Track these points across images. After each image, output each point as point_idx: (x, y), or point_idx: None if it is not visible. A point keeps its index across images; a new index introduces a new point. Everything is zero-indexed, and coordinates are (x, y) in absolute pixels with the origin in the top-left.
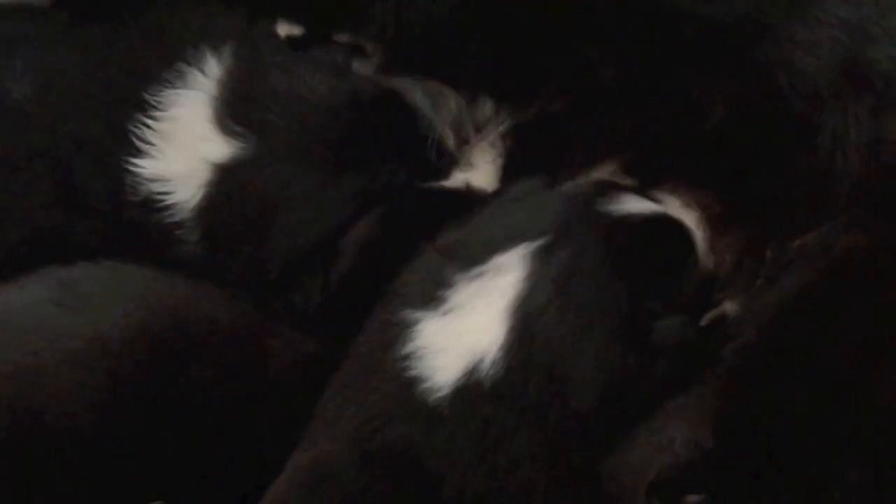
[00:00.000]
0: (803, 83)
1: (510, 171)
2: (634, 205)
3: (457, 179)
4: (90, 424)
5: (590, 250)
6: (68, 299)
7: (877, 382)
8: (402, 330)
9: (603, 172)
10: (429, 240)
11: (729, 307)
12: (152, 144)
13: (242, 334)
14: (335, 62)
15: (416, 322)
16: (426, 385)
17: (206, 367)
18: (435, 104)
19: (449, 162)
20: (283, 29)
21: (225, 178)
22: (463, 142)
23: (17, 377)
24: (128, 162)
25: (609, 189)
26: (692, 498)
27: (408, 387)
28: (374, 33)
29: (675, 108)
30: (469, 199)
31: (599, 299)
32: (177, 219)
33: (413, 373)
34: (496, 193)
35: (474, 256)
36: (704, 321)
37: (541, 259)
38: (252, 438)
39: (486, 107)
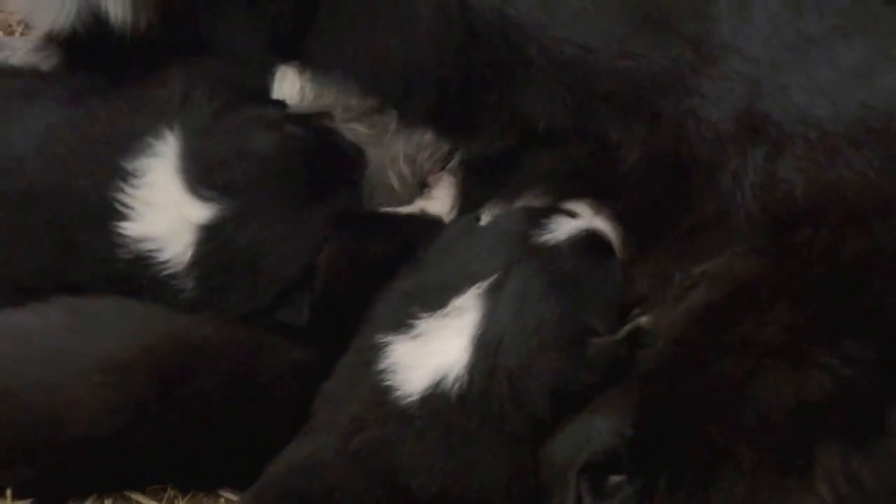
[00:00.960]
0: (708, 131)
1: (463, 200)
2: (562, 229)
3: (415, 205)
4: (103, 430)
5: (533, 282)
6: (79, 324)
7: (761, 381)
8: (377, 350)
9: (534, 200)
10: (391, 262)
11: (644, 321)
12: (135, 209)
13: (234, 351)
14: (271, 116)
15: (388, 344)
16: (398, 393)
17: (203, 380)
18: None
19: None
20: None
21: (210, 236)
22: (426, 174)
23: (40, 390)
24: (116, 224)
25: (537, 217)
26: (615, 478)
27: (383, 395)
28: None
29: (596, 151)
30: (423, 221)
31: (547, 323)
32: (171, 272)
33: (387, 384)
34: (439, 234)
35: (435, 299)
36: (623, 333)
37: (492, 295)
38: (247, 437)
39: (431, 140)
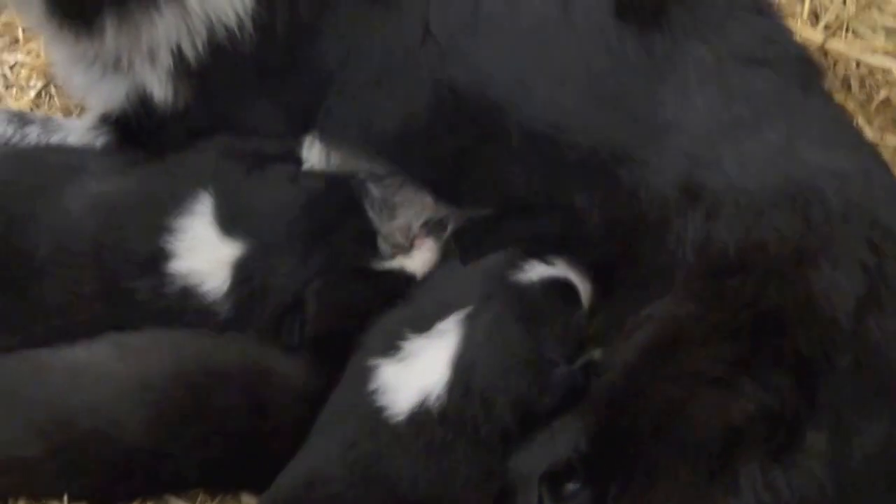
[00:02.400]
0: (656, 196)
1: (445, 258)
2: (535, 272)
3: (396, 261)
4: (144, 442)
5: (504, 313)
6: (122, 354)
7: (695, 406)
8: (368, 372)
9: None
10: (370, 304)
11: (598, 355)
12: (181, 254)
13: (249, 374)
14: (287, 173)
15: (378, 367)
16: (388, 412)
17: (226, 397)
18: (384, 204)
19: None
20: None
21: (240, 270)
22: (413, 235)
23: (90, 412)
24: (165, 267)
25: (516, 260)
26: (571, 486)
27: (375, 413)
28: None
29: (564, 215)
30: (399, 278)
31: (514, 350)
32: (210, 300)
33: (378, 403)
34: (430, 274)
35: (422, 323)
36: (579, 364)
37: (470, 322)
38: (262, 448)
39: (430, 205)
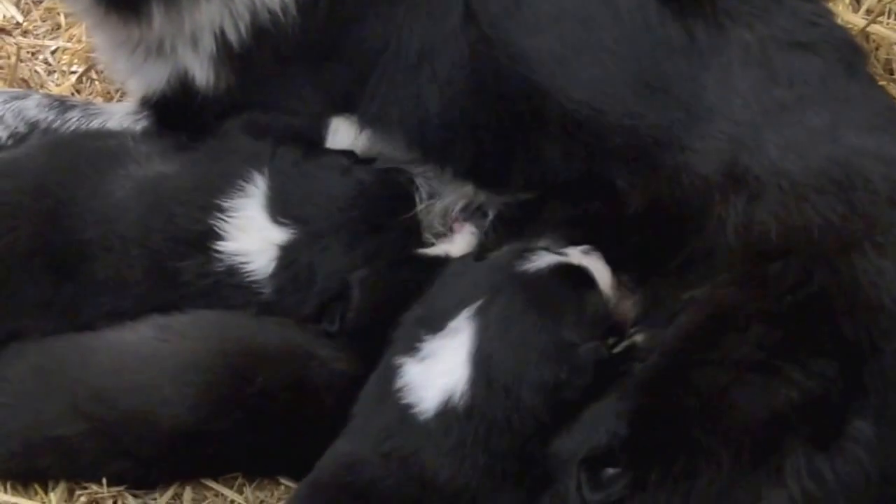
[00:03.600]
0: (698, 180)
1: (484, 246)
2: (543, 260)
3: (440, 248)
4: (186, 424)
5: (515, 303)
6: (166, 335)
7: (738, 391)
8: (394, 371)
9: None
10: (417, 289)
11: (639, 339)
12: (230, 233)
13: (291, 357)
14: (341, 164)
15: (402, 365)
16: (415, 409)
17: (268, 379)
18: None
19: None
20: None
21: (286, 253)
22: (451, 220)
23: (134, 393)
24: (214, 245)
25: (523, 252)
26: (610, 471)
27: (403, 410)
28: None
29: (605, 199)
30: (443, 265)
31: (529, 337)
32: (255, 279)
33: (406, 401)
34: (444, 271)
35: (435, 322)
36: (620, 348)
37: (481, 316)
38: (300, 432)
39: (469, 191)
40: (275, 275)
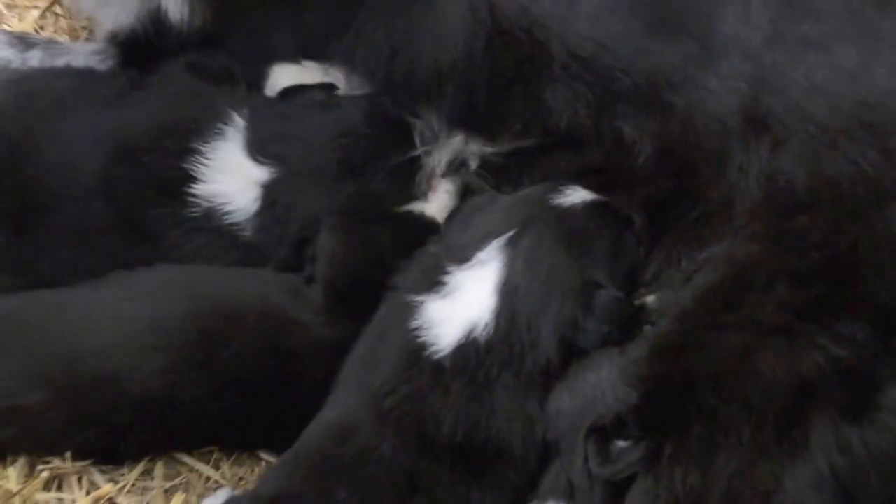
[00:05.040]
0: (715, 124)
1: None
2: (579, 195)
3: (413, 206)
4: (155, 390)
5: (546, 235)
6: (131, 295)
7: (760, 357)
8: (409, 310)
9: None
10: (392, 246)
11: (651, 300)
12: (208, 175)
13: (269, 320)
14: (321, 99)
15: (421, 303)
16: (432, 348)
17: (243, 343)
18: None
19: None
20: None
21: (268, 192)
22: (427, 178)
23: (98, 355)
24: (189, 190)
25: (557, 186)
26: (620, 444)
27: (416, 352)
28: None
29: (612, 147)
30: (419, 222)
31: (557, 272)
32: (235, 220)
33: (421, 340)
34: (459, 207)
35: (462, 254)
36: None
37: (511, 247)
38: (280, 402)
39: (460, 140)
40: (255, 216)
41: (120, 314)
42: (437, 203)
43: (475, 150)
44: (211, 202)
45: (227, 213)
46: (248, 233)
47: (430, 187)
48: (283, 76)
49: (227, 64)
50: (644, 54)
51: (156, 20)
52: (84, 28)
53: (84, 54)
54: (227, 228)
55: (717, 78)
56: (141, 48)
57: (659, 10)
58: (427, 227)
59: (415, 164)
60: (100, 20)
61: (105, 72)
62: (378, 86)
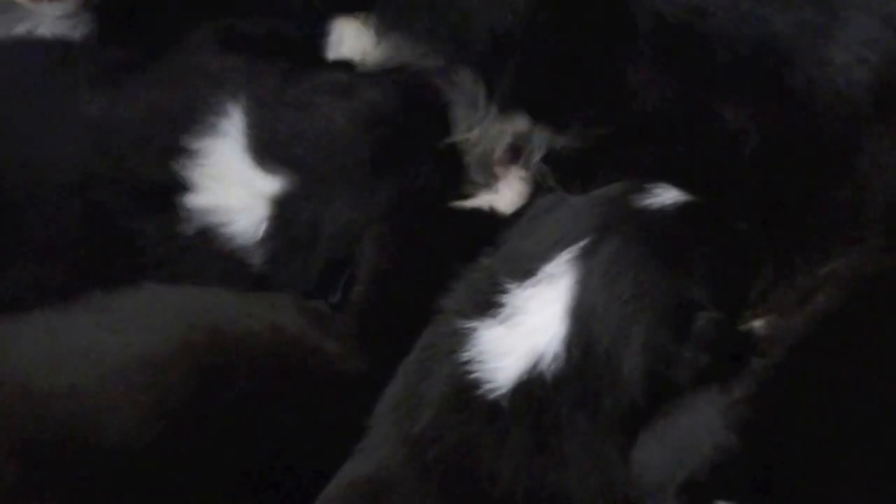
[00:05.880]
0: (840, 109)
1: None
2: (669, 195)
3: (481, 199)
4: (142, 439)
5: (631, 244)
6: (111, 322)
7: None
8: (459, 339)
9: None
10: (449, 255)
11: (759, 326)
12: (202, 184)
13: (283, 352)
14: (340, 82)
15: (473, 330)
16: (487, 385)
17: (249, 382)
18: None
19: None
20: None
21: (281, 209)
22: (494, 162)
23: (71, 397)
24: (180, 201)
25: (640, 185)
26: (720, 503)
27: (467, 391)
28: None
29: (709, 135)
30: (486, 220)
31: (644, 290)
32: (239, 246)
33: (473, 376)
34: (524, 209)
35: (524, 268)
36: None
37: (586, 259)
38: (296, 450)
39: (521, 126)
40: (267, 238)
41: (97, 345)
42: (509, 194)
43: (538, 138)
44: (207, 219)
45: (229, 235)
46: (256, 261)
47: (497, 175)
48: (347, 35)
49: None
50: (750, 21)
51: None
52: None
53: (51, 19)
54: (228, 254)
55: (843, 48)
56: (123, 12)
57: None
58: (495, 226)
59: (460, 151)
60: None
61: (82, 42)
62: (421, 54)
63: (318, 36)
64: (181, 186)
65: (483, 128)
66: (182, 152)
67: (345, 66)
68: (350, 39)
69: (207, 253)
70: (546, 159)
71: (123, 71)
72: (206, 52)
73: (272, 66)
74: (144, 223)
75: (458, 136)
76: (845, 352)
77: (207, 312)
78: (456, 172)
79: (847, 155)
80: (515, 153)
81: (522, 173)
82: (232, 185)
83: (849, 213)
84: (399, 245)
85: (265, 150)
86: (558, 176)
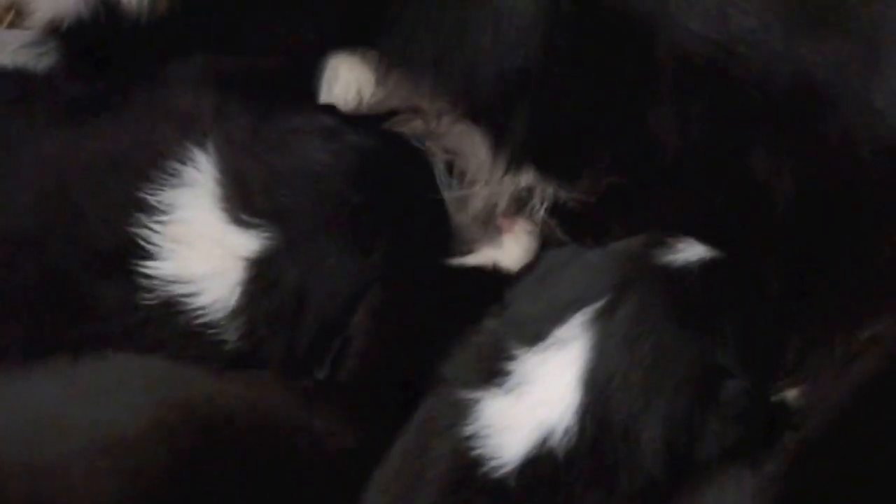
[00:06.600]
0: (886, 155)
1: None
2: (694, 251)
3: (483, 255)
4: None
5: (652, 305)
6: (76, 394)
7: None
8: (461, 411)
9: None
10: (451, 319)
11: (792, 395)
12: (166, 246)
13: (266, 428)
14: (324, 125)
15: (476, 402)
16: (492, 462)
17: (227, 465)
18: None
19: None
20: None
21: (259, 273)
22: (500, 217)
23: (30, 475)
24: (139, 265)
25: (661, 239)
26: None
27: (470, 468)
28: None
29: (738, 183)
30: (489, 278)
31: (666, 355)
32: (210, 319)
33: (476, 452)
34: (532, 265)
35: (533, 332)
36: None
37: (603, 321)
38: None
39: (528, 177)
40: (242, 310)
41: (60, 419)
42: (514, 249)
43: (545, 189)
44: (171, 289)
45: (197, 307)
46: (230, 336)
47: (501, 228)
48: (343, 72)
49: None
50: (785, 60)
51: (107, 4)
52: (9, 9)
53: (14, 47)
54: (197, 329)
55: (886, 91)
56: (90, 42)
57: (804, 1)
58: (500, 284)
59: (445, 208)
60: (34, 2)
61: (45, 75)
62: (421, 96)
63: (308, 73)
64: (142, 248)
65: (489, 181)
66: (144, 207)
67: (329, 109)
68: (346, 77)
69: (173, 328)
70: (553, 212)
71: (87, 108)
72: (177, 90)
73: (248, 106)
74: (102, 289)
75: (463, 190)
76: (887, 424)
77: (182, 388)
78: (446, 227)
79: (890, 209)
80: (520, 204)
81: (529, 226)
82: (201, 246)
83: (892, 272)
84: (396, 312)
85: (240, 201)
86: (566, 229)
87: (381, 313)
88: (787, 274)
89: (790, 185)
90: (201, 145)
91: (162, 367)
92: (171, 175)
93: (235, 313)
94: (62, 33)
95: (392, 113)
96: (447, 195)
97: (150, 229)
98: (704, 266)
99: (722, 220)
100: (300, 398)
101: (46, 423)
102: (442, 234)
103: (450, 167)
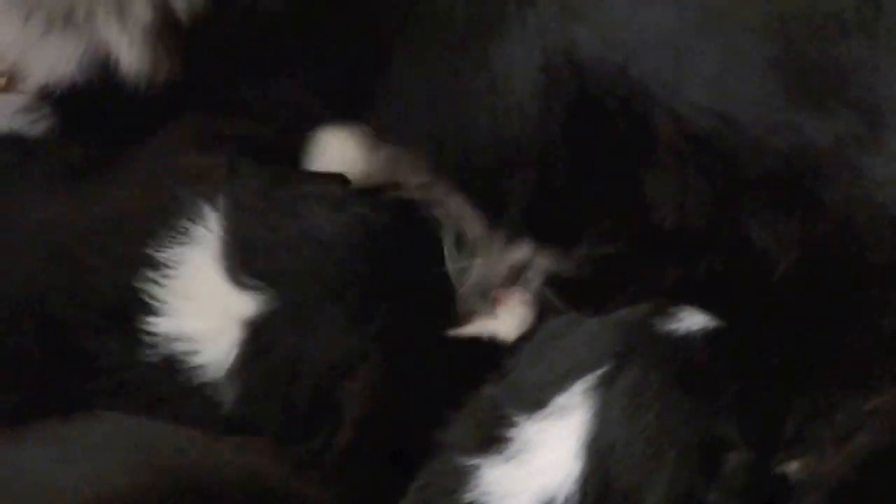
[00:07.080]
0: (886, 228)
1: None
2: (695, 320)
3: (478, 326)
4: None
5: (654, 374)
6: (68, 456)
7: None
8: (459, 478)
9: None
10: (448, 389)
11: (793, 468)
12: (169, 302)
13: (257, 499)
14: (333, 194)
15: (476, 468)
16: None
17: None
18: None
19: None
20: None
21: (256, 334)
22: (494, 286)
23: None
24: (141, 321)
25: (664, 307)
26: None
27: None
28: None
29: (736, 255)
30: (487, 349)
31: (668, 425)
32: (208, 379)
33: None
34: (529, 335)
35: (533, 399)
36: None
37: (604, 389)
38: None
39: (525, 249)
40: (240, 370)
41: (52, 482)
42: (510, 320)
43: (544, 260)
44: (171, 346)
45: (195, 366)
46: (226, 398)
47: (497, 299)
48: (334, 146)
49: (252, 130)
50: (782, 130)
51: (102, 70)
52: (2, 75)
53: (7, 112)
54: (195, 388)
55: (886, 162)
56: (85, 108)
57: (804, 71)
58: (497, 355)
59: (450, 280)
60: (28, 68)
61: (40, 139)
62: (416, 169)
63: (297, 144)
64: (145, 304)
65: (486, 255)
66: (148, 263)
67: (338, 178)
68: (334, 150)
69: (173, 386)
70: (551, 282)
71: (85, 171)
72: (181, 151)
73: (258, 168)
74: (103, 344)
75: (460, 263)
76: (890, 499)
77: (175, 453)
78: (448, 304)
79: (890, 280)
80: (517, 274)
81: (525, 296)
82: (201, 304)
83: (893, 343)
84: (393, 382)
85: (242, 262)
86: (565, 298)
87: (377, 382)
88: (788, 344)
89: (790, 255)
90: (212, 202)
91: (155, 429)
92: (179, 232)
93: (232, 375)
94: (56, 99)
95: (377, 189)
96: (449, 266)
97: (155, 283)
98: (706, 336)
99: (722, 289)
100: (295, 466)
101: (36, 486)
102: (444, 306)
103: (459, 237)
